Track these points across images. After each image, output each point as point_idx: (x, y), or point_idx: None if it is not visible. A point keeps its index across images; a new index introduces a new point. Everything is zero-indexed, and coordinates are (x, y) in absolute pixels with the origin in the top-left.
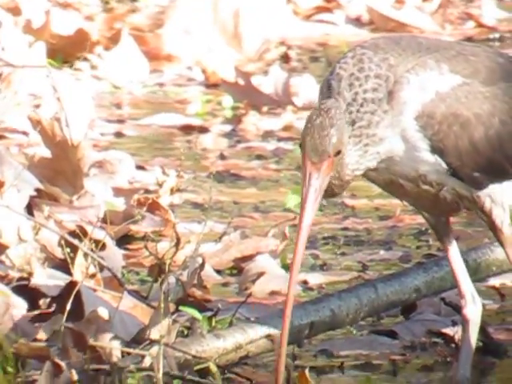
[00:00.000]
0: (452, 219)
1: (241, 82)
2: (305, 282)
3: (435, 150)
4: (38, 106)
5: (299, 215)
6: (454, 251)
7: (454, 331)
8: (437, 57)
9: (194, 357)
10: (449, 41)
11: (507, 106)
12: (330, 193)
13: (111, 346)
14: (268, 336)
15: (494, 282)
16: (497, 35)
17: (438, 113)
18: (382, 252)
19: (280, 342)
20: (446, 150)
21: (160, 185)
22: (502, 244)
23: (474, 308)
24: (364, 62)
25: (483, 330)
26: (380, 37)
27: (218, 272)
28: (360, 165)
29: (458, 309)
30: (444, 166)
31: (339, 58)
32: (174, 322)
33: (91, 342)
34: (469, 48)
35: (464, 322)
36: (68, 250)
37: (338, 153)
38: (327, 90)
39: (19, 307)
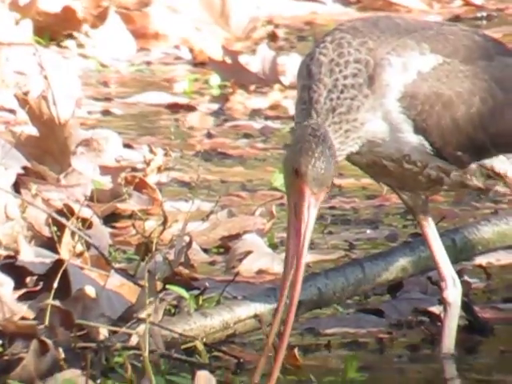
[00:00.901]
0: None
1: (228, 60)
2: None
3: (418, 130)
4: (24, 84)
5: (296, 239)
6: (432, 233)
7: (440, 310)
8: (416, 37)
9: (181, 335)
10: (425, 20)
11: (486, 85)
12: None
13: (98, 324)
14: (255, 316)
15: (481, 260)
16: (484, 14)
17: (421, 93)
18: (368, 231)
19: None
20: (429, 129)
21: (147, 163)
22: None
23: (454, 291)
24: (343, 46)
25: (469, 309)
26: (357, 19)
27: (205, 251)
28: (342, 151)
29: None
30: (427, 146)
31: (318, 42)
32: (161, 300)
33: (78, 320)
34: (446, 27)
35: (445, 305)
36: (55, 228)
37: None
38: (307, 76)
39: (6, 285)
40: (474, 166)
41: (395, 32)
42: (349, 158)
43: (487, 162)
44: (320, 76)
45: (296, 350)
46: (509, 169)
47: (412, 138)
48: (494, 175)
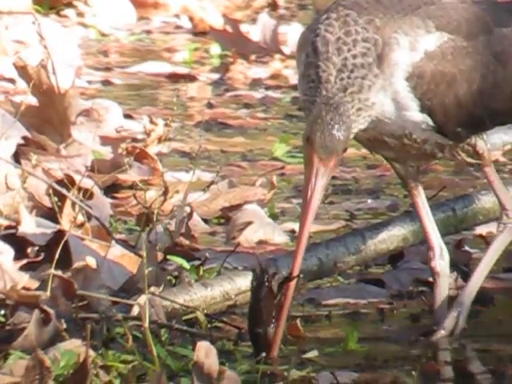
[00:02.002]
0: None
1: (229, 29)
2: (292, 232)
3: (424, 108)
4: (24, 53)
5: (302, 209)
6: (422, 202)
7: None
8: (421, 14)
9: (182, 306)
10: None
11: (487, 60)
12: None
13: (99, 295)
14: None
15: (481, 230)
16: None
17: (428, 72)
18: (369, 201)
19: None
20: (434, 108)
21: (148, 133)
22: (482, 165)
23: (441, 261)
24: (349, 24)
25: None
26: None
27: (206, 221)
28: (353, 129)
29: None
30: (430, 123)
31: (322, 18)
32: (162, 271)
33: (79, 291)
34: (446, 0)
35: (434, 275)
36: (56, 198)
37: (345, 150)
38: (313, 53)
39: (6, 254)
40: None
41: (400, 9)
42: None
43: (472, 140)
44: (328, 55)
45: (298, 321)
46: (485, 149)
47: (416, 116)
48: (474, 153)
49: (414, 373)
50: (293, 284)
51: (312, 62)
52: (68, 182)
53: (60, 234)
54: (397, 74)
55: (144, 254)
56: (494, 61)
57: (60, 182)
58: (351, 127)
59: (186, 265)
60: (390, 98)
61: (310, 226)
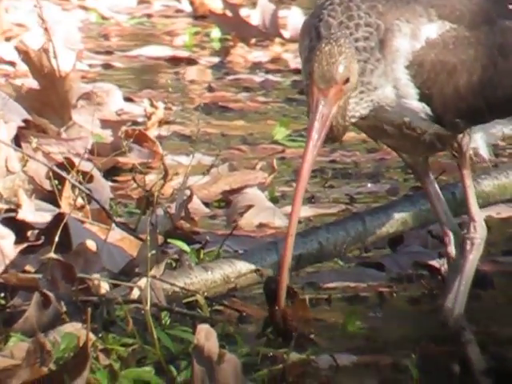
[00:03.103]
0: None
1: (229, 13)
2: None
3: (423, 97)
4: (25, 37)
5: (305, 142)
6: (433, 190)
7: (441, 263)
8: (424, 2)
9: (182, 289)
10: None
11: (488, 51)
12: (333, 137)
13: (99, 278)
14: (257, 271)
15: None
16: None
17: (428, 61)
18: (369, 185)
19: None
20: (433, 97)
21: (148, 117)
22: (460, 165)
23: (457, 246)
24: (352, 9)
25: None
26: None
27: (206, 204)
28: (356, 112)
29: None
30: (429, 113)
31: (325, 4)
32: (162, 254)
33: (79, 274)
34: None
35: (449, 260)
36: (56, 181)
37: (347, 81)
38: (316, 37)
39: (7, 238)
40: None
41: None
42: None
43: (459, 136)
44: None
45: (307, 300)
46: (468, 149)
47: (415, 105)
48: (458, 151)
49: (413, 355)
50: (291, 228)
51: (315, 45)
52: (68, 165)
53: (60, 217)
54: (398, 61)
55: (146, 237)
56: (496, 52)
57: (60, 165)
58: (352, 57)
59: (187, 248)
60: (390, 84)
61: (312, 152)
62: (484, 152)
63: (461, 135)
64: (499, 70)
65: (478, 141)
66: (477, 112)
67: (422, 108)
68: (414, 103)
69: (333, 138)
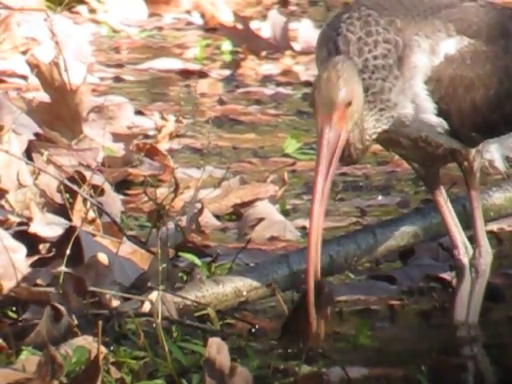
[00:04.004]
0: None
1: (239, 26)
2: (303, 228)
3: (441, 112)
4: (36, 50)
5: (314, 172)
6: (443, 202)
7: (452, 276)
8: (442, 17)
9: (194, 302)
10: None
11: (504, 65)
12: (352, 159)
13: (110, 291)
14: (268, 285)
15: (492, 226)
16: None
17: (446, 76)
18: (380, 197)
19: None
20: (451, 112)
21: (159, 130)
22: (469, 186)
23: (467, 258)
24: (371, 24)
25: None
26: None
27: (217, 217)
28: (377, 129)
29: None
30: (446, 127)
31: (343, 17)
32: (174, 267)
33: (91, 287)
34: (467, 4)
35: (459, 273)
36: (67, 195)
37: (349, 104)
38: (335, 51)
39: (19, 252)
40: (474, 150)
41: (421, 11)
42: None
43: (471, 155)
44: (349, 55)
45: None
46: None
47: (433, 120)
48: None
49: (424, 368)
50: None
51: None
52: (79, 179)
53: (71, 230)
54: (416, 77)
55: (157, 250)
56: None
57: (71, 179)
58: (353, 79)
59: (198, 261)
60: (409, 100)
61: (323, 180)
62: (499, 164)
63: (473, 153)
64: None
65: (493, 153)
66: (493, 125)
67: (439, 122)
68: (432, 118)
69: (352, 160)
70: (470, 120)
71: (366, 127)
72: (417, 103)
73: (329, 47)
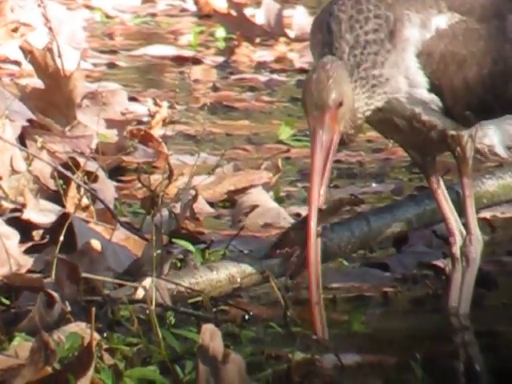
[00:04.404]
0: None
1: (233, 12)
2: (297, 215)
3: (432, 88)
4: (29, 36)
5: (310, 174)
6: (440, 190)
7: (445, 263)
8: None
9: (187, 289)
10: None
11: (499, 45)
12: (346, 141)
13: (104, 278)
14: (262, 272)
15: (485, 214)
16: None
17: (437, 51)
18: (374, 184)
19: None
20: (442, 88)
21: (152, 116)
22: (462, 173)
23: (464, 247)
24: (362, 3)
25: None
26: None
27: (211, 204)
28: (369, 106)
29: None
30: (439, 104)
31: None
32: (167, 253)
33: (84, 273)
34: None
35: (453, 260)
36: (61, 181)
37: (340, 104)
38: (327, 33)
39: (12, 238)
40: (466, 135)
41: None
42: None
43: (464, 140)
44: (341, 33)
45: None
46: (471, 156)
47: (426, 96)
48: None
49: (417, 355)
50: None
51: (326, 41)
52: (73, 165)
53: (65, 216)
54: (408, 49)
55: (151, 236)
56: (507, 47)
57: (65, 165)
58: (342, 79)
59: (192, 248)
60: (402, 74)
61: (318, 182)
62: (499, 150)
63: (465, 138)
64: (509, 65)
65: (492, 137)
66: (486, 106)
67: (432, 99)
68: (425, 93)
69: (346, 142)
70: (463, 98)
71: (357, 106)
72: (409, 77)
73: (322, 30)
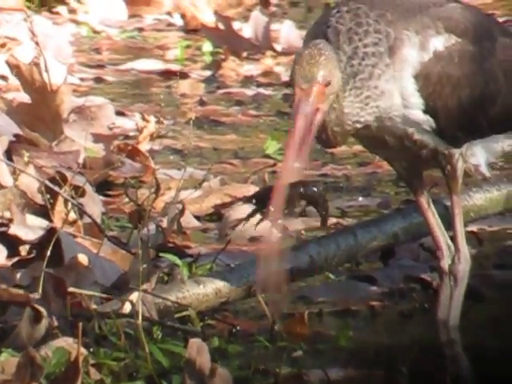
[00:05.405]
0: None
1: (221, 26)
2: (284, 229)
3: (428, 109)
4: (16, 51)
5: (288, 139)
6: (427, 204)
7: (432, 277)
8: (431, 14)
9: (174, 303)
10: None
11: (490, 67)
12: (332, 142)
13: (91, 292)
14: (249, 288)
15: (472, 227)
16: None
17: (435, 73)
18: (360, 198)
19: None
20: (437, 110)
21: (140, 131)
22: (451, 191)
23: (450, 259)
24: (361, 16)
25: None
26: None
27: (198, 218)
28: (360, 117)
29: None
30: (433, 125)
31: (332, 12)
32: (154, 268)
33: (71, 288)
34: (453, 4)
35: (441, 274)
36: (48, 196)
37: (328, 83)
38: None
39: (0, 254)
40: (457, 154)
41: (410, 7)
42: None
43: (454, 158)
44: (339, 43)
45: (306, 316)
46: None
47: (421, 117)
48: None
49: (404, 370)
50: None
51: None
52: (60, 180)
53: (52, 231)
54: (406, 70)
55: (138, 251)
56: (497, 68)
57: (52, 180)
58: (333, 60)
59: (179, 262)
60: (397, 91)
61: (295, 153)
62: (484, 169)
63: (456, 156)
64: (499, 86)
65: (478, 157)
66: (476, 126)
67: (426, 120)
68: (420, 114)
69: (331, 143)
70: (456, 119)
71: (347, 112)
72: (404, 97)
73: (317, 37)
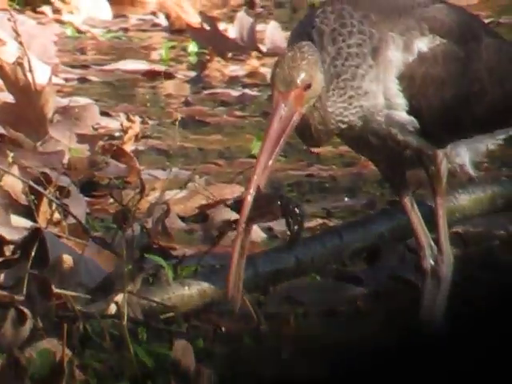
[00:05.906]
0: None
1: (206, 27)
2: (269, 230)
3: (412, 110)
4: None
5: (262, 142)
6: (410, 202)
7: (418, 278)
8: (416, 15)
9: (159, 304)
10: None
11: (475, 67)
12: (316, 141)
13: (76, 293)
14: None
15: (458, 228)
16: None
17: (419, 74)
18: (346, 199)
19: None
20: (422, 110)
21: (125, 131)
22: (435, 193)
23: (432, 260)
24: (345, 17)
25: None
26: None
27: (183, 219)
28: (344, 117)
29: None
30: (417, 126)
31: (317, 12)
32: (139, 269)
33: (56, 289)
34: (438, 5)
35: (424, 274)
36: (32, 196)
37: (308, 87)
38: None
39: None
40: (441, 154)
41: (395, 8)
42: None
43: (438, 159)
44: (323, 44)
45: (292, 319)
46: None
47: (404, 117)
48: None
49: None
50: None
51: None
52: (44, 180)
53: (36, 232)
54: (390, 71)
55: (123, 252)
56: (482, 69)
57: (36, 180)
58: (315, 64)
59: (164, 263)
60: (381, 91)
61: (268, 154)
62: (469, 169)
63: (440, 157)
64: (484, 87)
65: (463, 157)
66: (462, 127)
67: (410, 121)
68: (403, 115)
69: (315, 142)
70: (440, 119)
71: (331, 111)
72: (388, 98)
73: (302, 38)
